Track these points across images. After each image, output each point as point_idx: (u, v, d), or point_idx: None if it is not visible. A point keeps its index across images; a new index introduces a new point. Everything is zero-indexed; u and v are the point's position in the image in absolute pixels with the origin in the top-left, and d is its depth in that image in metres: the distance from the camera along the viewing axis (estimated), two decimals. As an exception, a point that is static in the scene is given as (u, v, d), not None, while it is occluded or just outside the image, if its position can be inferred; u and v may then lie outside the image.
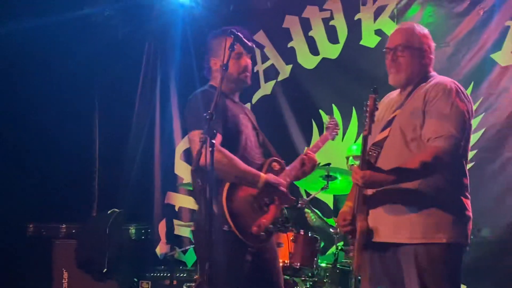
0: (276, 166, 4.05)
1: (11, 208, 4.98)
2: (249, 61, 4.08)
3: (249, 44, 3.51)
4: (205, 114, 3.22)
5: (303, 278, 5.25)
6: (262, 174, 3.87)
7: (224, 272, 3.65)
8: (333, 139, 4.47)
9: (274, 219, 3.89)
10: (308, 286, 5.26)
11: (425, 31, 3.67)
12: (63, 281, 6.36)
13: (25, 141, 6.09)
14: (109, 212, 6.67)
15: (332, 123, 4.50)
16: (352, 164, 5.56)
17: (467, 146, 3.50)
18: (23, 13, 6.37)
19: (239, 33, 3.40)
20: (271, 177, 3.90)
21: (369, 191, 3.52)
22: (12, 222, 6.09)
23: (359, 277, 3.81)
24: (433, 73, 3.64)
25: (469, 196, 3.52)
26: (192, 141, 3.97)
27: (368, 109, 3.41)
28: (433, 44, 3.67)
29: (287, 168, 4.07)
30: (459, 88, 3.49)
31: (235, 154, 3.88)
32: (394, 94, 3.74)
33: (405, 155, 3.43)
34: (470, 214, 3.49)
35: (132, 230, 6.75)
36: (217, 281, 3.46)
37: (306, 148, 6.48)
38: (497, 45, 5.66)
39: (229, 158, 3.82)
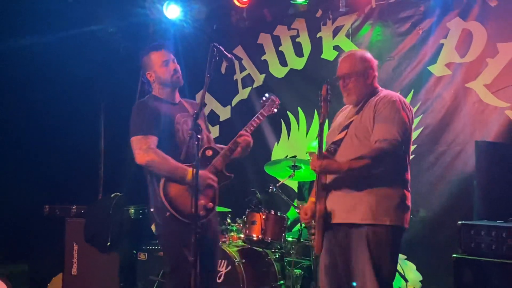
0: (209, 152, 3.99)
1: (30, 192, 4.97)
2: (177, 66, 4.10)
3: (229, 56, 3.53)
4: (192, 115, 3.26)
5: (273, 250, 5.28)
6: (189, 170, 3.71)
7: (175, 248, 3.80)
8: (272, 113, 4.31)
9: (209, 199, 3.90)
10: (277, 256, 5.30)
11: (366, 55, 3.75)
12: (74, 253, 6.36)
13: (44, 138, 6.05)
14: (112, 195, 6.66)
15: (268, 100, 4.27)
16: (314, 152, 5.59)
17: (408, 147, 3.59)
18: (43, 29, 6.37)
19: (220, 47, 3.42)
20: (200, 174, 3.73)
21: (327, 180, 3.55)
22: (31, 204, 6.06)
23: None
24: (379, 88, 3.72)
25: (410, 190, 3.60)
26: (132, 145, 3.96)
27: (322, 97, 3.52)
28: (375, 63, 3.74)
29: (222, 151, 3.99)
30: (402, 100, 3.61)
31: (173, 149, 3.86)
32: (349, 108, 3.79)
33: (357, 152, 3.47)
34: (410, 204, 3.58)
35: (131, 211, 6.73)
36: (171, 255, 3.84)
37: (275, 144, 6.60)
38: (433, 59, 5.70)
39: (161, 157, 3.83)
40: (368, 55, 3.75)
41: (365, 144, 3.50)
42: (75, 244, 6.35)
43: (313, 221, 3.66)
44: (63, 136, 6.40)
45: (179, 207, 3.82)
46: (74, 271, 6.34)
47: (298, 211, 5.31)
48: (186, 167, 3.81)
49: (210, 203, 3.90)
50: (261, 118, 4.17)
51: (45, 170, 5.59)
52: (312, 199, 3.71)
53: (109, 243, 6.29)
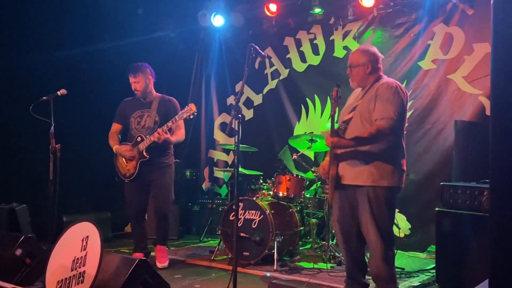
0: (139, 138, 4.48)
1: (111, 158, 5.07)
2: (136, 85, 4.63)
3: (263, 53, 3.52)
4: (235, 99, 3.31)
5: (295, 204, 5.31)
6: (115, 146, 4.57)
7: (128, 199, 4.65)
8: (189, 118, 4.51)
9: (133, 167, 4.46)
10: (298, 208, 5.32)
11: (370, 49, 3.67)
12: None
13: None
14: (173, 162, 6.75)
15: (185, 107, 4.46)
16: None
17: (403, 123, 3.55)
18: (117, 36, 6.42)
19: (256, 46, 3.41)
20: (120, 148, 4.56)
21: (338, 151, 3.56)
22: (112, 166, 6.16)
23: (331, 204, 3.85)
24: (383, 76, 3.65)
25: (405, 156, 3.58)
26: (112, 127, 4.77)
27: (333, 97, 3.53)
28: (378, 56, 3.66)
29: (145, 139, 4.44)
30: (399, 85, 3.55)
31: (127, 133, 4.64)
32: (358, 91, 3.75)
33: (361, 129, 3.47)
34: (405, 168, 3.56)
35: (187, 173, 6.83)
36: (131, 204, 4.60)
37: (297, 123, 6.60)
38: (422, 56, 5.61)
39: (110, 136, 4.67)
40: (372, 49, 3.67)
41: (368, 122, 3.47)
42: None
43: (327, 176, 3.71)
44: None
45: (119, 171, 4.55)
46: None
47: (314, 174, 5.31)
48: (114, 143, 4.59)
49: (132, 170, 4.48)
50: (174, 121, 4.43)
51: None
52: (327, 158, 3.73)
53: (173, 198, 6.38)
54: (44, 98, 3.96)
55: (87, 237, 3.01)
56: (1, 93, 5.30)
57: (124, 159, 4.53)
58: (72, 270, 2.97)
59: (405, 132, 3.60)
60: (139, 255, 4.57)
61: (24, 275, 3.69)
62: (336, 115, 3.58)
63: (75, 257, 3.00)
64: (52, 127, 3.90)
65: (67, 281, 2.96)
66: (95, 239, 2.97)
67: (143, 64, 4.69)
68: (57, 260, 3.09)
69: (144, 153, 4.39)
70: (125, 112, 4.72)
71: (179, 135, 4.66)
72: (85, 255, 2.96)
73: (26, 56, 5.53)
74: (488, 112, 5.04)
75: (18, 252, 3.74)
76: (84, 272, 2.90)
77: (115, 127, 4.76)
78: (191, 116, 4.39)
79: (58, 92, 4.09)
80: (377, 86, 3.52)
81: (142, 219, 4.83)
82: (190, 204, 6.79)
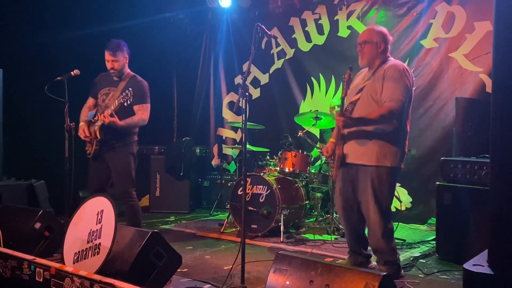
0: (96, 117, 4.11)
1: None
2: (113, 64, 4.17)
3: (269, 32, 3.44)
4: (242, 79, 3.24)
5: (300, 179, 5.30)
6: (81, 123, 4.13)
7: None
8: (125, 104, 3.96)
9: (91, 146, 4.12)
10: (303, 183, 5.32)
11: (384, 30, 3.59)
12: (157, 180, 6.54)
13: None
14: (183, 139, 6.74)
15: (123, 94, 3.96)
16: (334, 107, 5.53)
17: (409, 106, 3.50)
18: (130, 16, 6.37)
19: (262, 26, 3.33)
20: (80, 127, 4.12)
21: (345, 131, 3.53)
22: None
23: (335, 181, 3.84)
24: (390, 57, 3.59)
25: (407, 138, 3.53)
26: (87, 102, 4.35)
27: (345, 80, 3.47)
28: (389, 38, 3.59)
29: (99, 120, 4.08)
30: (406, 68, 3.49)
31: (96, 107, 4.26)
32: (365, 71, 3.69)
33: (369, 110, 3.43)
34: (406, 150, 3.53)
35: (197, 150, 6.83)
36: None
37: (302, 101, 6.54)
38: (424, 35, 5.51)
39: (82, 111, 4.28)
40: (385, 30, 3.59)
41: (375, 103, 3.42)
42: (157, 174, 6.52)
43: (332, 157, 3.70)
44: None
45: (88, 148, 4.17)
46: (157, 193, 6.52)
47: (319, 150, 5.29)
48: (82, 119, 4.20)
49: (90, 149, 4.14)
50: (116, 104, 3.99)
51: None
52: (332, 140, 3.70)
53: (182, 173, 6.43)
54: (58, 78, 3.92)
55: (102, 211, 3.02)
56: (17, 73, 5.29)
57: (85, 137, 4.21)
58: (88, 242, 2.99)
59: (410, 116, 3.55)
60: None
61: (43, 247, 3.74)
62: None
63: (90, 230, 3.02)
64: (67, 106, 3.88)
65: (84, 253, 2.99)
66: (110, 212, 2.98)
67: (121, 41, 4.28)
68: (74, 233, 3.11)
69: (98, 133, 4.05)
70: (96, 87, 4.34)
71: (134, 119, 4.15)
72: (100, 228, 2.97)
73: (40, 36, 5.49)
74: (488, 89, 4.97)
75: (37, 225, 3.78)
76: (99, 244, 2.92)
77: (89, 101, 4.34)
78: (127, 103, 3.95)
79: (72, 72, 4.05)
80: (384, 68, 3.46)
81: None
82: (200, 180, 6.82)
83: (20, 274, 3.00)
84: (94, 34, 5.62)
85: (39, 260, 2.97)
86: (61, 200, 3.89)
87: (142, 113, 4.19)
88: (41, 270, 2.88)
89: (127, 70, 4.31)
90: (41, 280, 2.87)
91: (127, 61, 4.29)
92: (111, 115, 3.98)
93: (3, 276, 3.11)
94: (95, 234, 2.99)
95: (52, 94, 3.79)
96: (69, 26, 5.68)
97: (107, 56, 4.17)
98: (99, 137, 4.06)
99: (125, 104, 3.95)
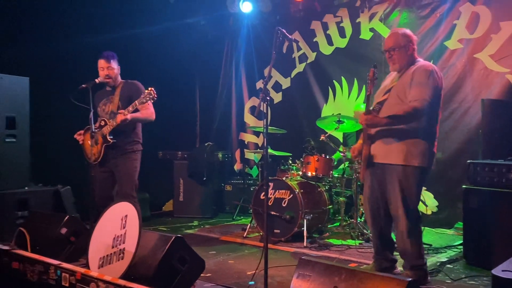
0: (102, 122, 4.15)
1: (150, 143, 5.11)
2: (109, 71, 4.23)
3: (290, 36, 3.42)
4: (263, 83, 3.23)
5: (323, 183, 5.27)
6: (81, 132, 4.25)
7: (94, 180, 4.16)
8: (141, 104, 4.02)
9: (97, 151, 4.13)
10: (326, 188, 5.28)
11: (407, 31, 3.56)
12: (180, 185, 6.58)
13: (155, 104, 6.19)
14: (206, 144, 6.78)
15: (146, 92, 3.99)
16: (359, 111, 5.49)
17: (438, 106, 3.44)
18: (152, 22, 6.45)
19: (283, 30, 3.32)
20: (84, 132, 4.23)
21: (372, 131, 3.51)
22: (150, 150, 6.24)
23: (360, 183, 3.81)
24: (418, 58, 3.57)
25: (436, 139, 3.48)
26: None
27: (369, 77, 3.46)
28: (415, 38, 3.57)
29: (109, 123, 4.11)
30: (435, 69, 3.44)
31: (95, 117, 4.21)
32: (394, 73, 3.65)
33: (395, 109, 3.39)
34: (435, 151, 3.48)
35: (220, 155, 6.84)
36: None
37: (324, 104, 6.50)
38: (448, 36, 5.43)
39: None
40: (409, 32, 3.56)
41: (403, 103, 3.39)
42: (181, 179, 6.56)
43: (359, 158, 3.71)
44: (170, 103, 6.47)
45: (86, 155, 4.23)
46: (181, 198, 6.57)
47: (342, 154, 5.24)
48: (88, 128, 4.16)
49: (97, 155, 4.15)
50: (134, 106, 4.02)
51: (159, 128, 5.68)
52: (360, 141, 3.69)
53: (204, 178, 6.45)
54: (83, 86, 3.98)
55: (126, 216, 3.05)
56: (43, 81, 5.39)
57: (90, 143, 4.27)
58: (113, 247, 3.02)
59: (439, 117, 3.49)
60: None
61: (69, 252, 3.79)
62: (371, 95, 3.51)
63: (115, 235, 3.05)
64: (91, 112, 3.95)
65: (109, 258, 3.02)
66: (134, 217, 3.00)
67: (112, 52, 4.36)
68: (99, 238, 3.15)
69: (108, 137, 4.11)
70: (93, 101, 4.34)
71: (148, 113, 4.27)
72: (125, 233, 3.00)
73: (64, 43, 5.59)
74: (515, 90, 4.87)
75: (63, 231, 3.82)
76: (124, 249, 2.94)
77: (91, 114, 4.31)
78: (151, 101, 4.04)
79: (96, 80, 4.13)
80: (413, 69, 3.42)
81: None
82: (223, 184, 6.83)
83: (47, 278, 3.05)
84: (118, 40, 5.69)
85: (65, 265, 3.01)
86: (87, 205, 3.94)
87: (149, 109, 4.27)
88: (67, 275, 2.92)
89: (119, 78, 4.39)
90: (67, 284, 2.91)
91: (119, 71, 4.37)
92: (129, 112, 4.05)
93: (30, 281, 3.17)
94: (119, 239, 3.01)
95: (77, 101, 3.85)
96: (92, 33, 5.77)
97: (102, 64, 4.25)
98: (111, 141, 4.12)
99: (134, 105, 4.02)
